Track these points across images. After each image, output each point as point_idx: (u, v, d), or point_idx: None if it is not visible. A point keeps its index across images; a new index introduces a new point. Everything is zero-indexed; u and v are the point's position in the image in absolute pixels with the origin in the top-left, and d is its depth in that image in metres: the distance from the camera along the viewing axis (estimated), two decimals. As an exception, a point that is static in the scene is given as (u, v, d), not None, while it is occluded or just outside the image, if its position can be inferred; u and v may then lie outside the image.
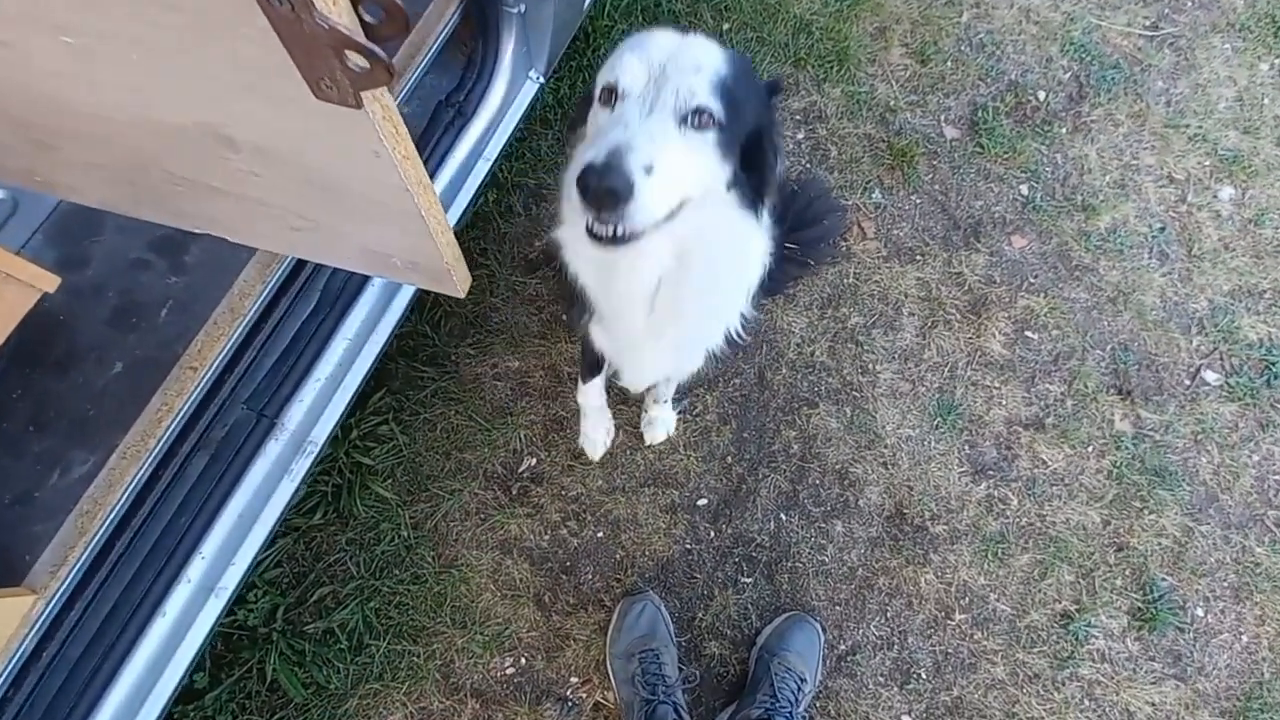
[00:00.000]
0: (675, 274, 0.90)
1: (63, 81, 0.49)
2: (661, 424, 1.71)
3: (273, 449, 1.12)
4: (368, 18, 0.39)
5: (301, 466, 1.17)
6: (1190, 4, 2.32)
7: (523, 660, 1.59)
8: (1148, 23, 2.27)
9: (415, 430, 1.72)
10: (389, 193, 0.51)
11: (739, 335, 1.11)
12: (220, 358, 1.03)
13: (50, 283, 0.85)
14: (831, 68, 2.10)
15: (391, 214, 0.55)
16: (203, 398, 1.03)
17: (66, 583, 0.93)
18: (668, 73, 0.76)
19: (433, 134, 1.30)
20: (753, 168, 0.85)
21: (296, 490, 1.19)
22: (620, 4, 2.10)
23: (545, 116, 2.00)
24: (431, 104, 1.34)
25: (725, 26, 2.13)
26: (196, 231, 0.73)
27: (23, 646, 0.87)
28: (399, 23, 0.39)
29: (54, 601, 0.92)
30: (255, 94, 0.43)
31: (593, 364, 1.48)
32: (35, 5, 0.42)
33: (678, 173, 0.75)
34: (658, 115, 0.75)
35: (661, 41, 0.80)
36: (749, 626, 1.63)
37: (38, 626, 0.90)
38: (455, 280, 0.68)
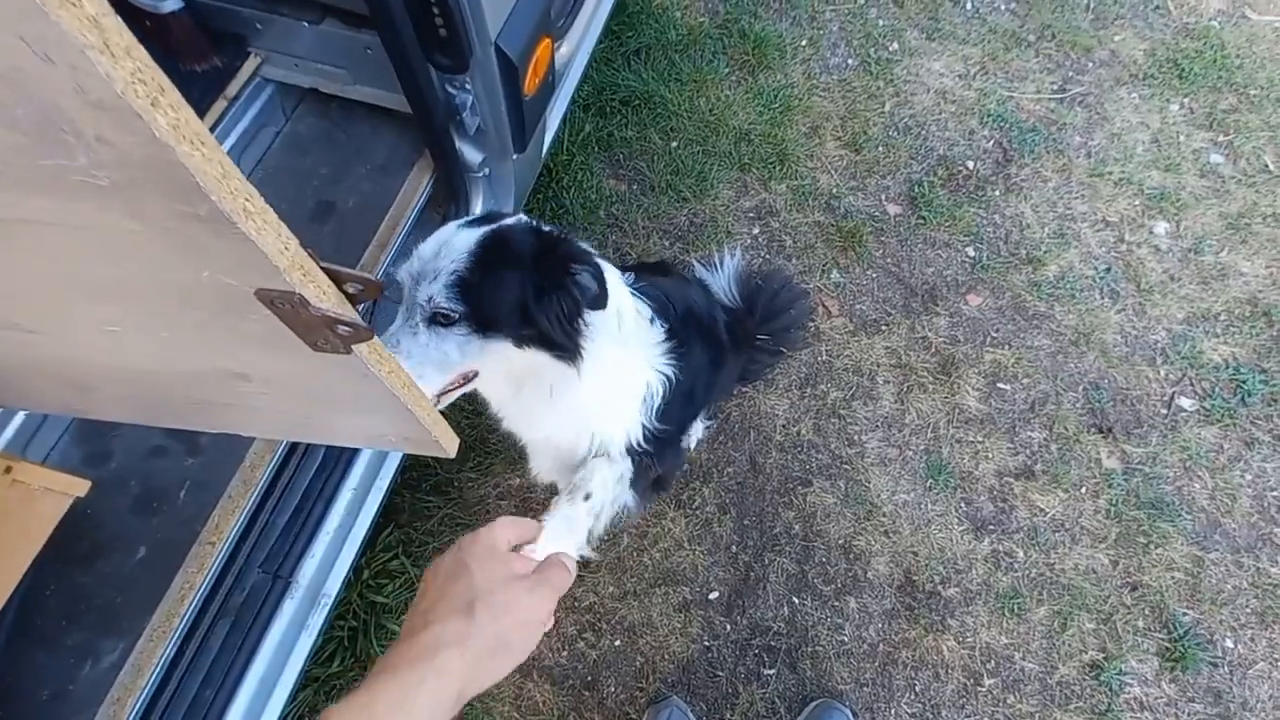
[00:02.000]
0: (510, 391, 1.07)
1: (101, 353, 0.59)
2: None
3: (289, 607, 1.17)
4: (350, 289, 0.49)
5: (317, 620, 1.21)
6: (1091, 64, 2.56)
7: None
8: (1055, 86, 2.50)
9: (425, 561, 1.76)
10: (380, 399, 0.61)
11: (639, 445, 1.16)
12: (236, 529, 1.10)
13: (81, 487, 0.94)
14: (775, 167, 2.29)
15: (383, 411, 0.64)
16: (221, 569, 1.10)
17: (98, 775, 0.95)
18: (419, 279, 0.89)
19: (417, 288, 1.43)
20: (550, 322, 0.92)
21: (314, 644, 1.23)
22: (577, 138, 2.32)
23: (520, 246, 2.17)
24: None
25: (673, 144, 2.34)
26: (213, 432, 0.82)
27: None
28: (375, 289, 0.49)
29: (88, 796, 0.94)
30: (264, 349, 0.53)
31: None
32: (84, 309, 0.53)
33: (429, 361, 0.88)
34: (409, 321, 0.89)
35: (432, 245, 0.93)
36: (779, 721, 1.60)
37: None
38: (444, 446, 0.77)
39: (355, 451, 1.28)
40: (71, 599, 1.05)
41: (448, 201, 1.47)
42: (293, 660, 1.18)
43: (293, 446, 1.20)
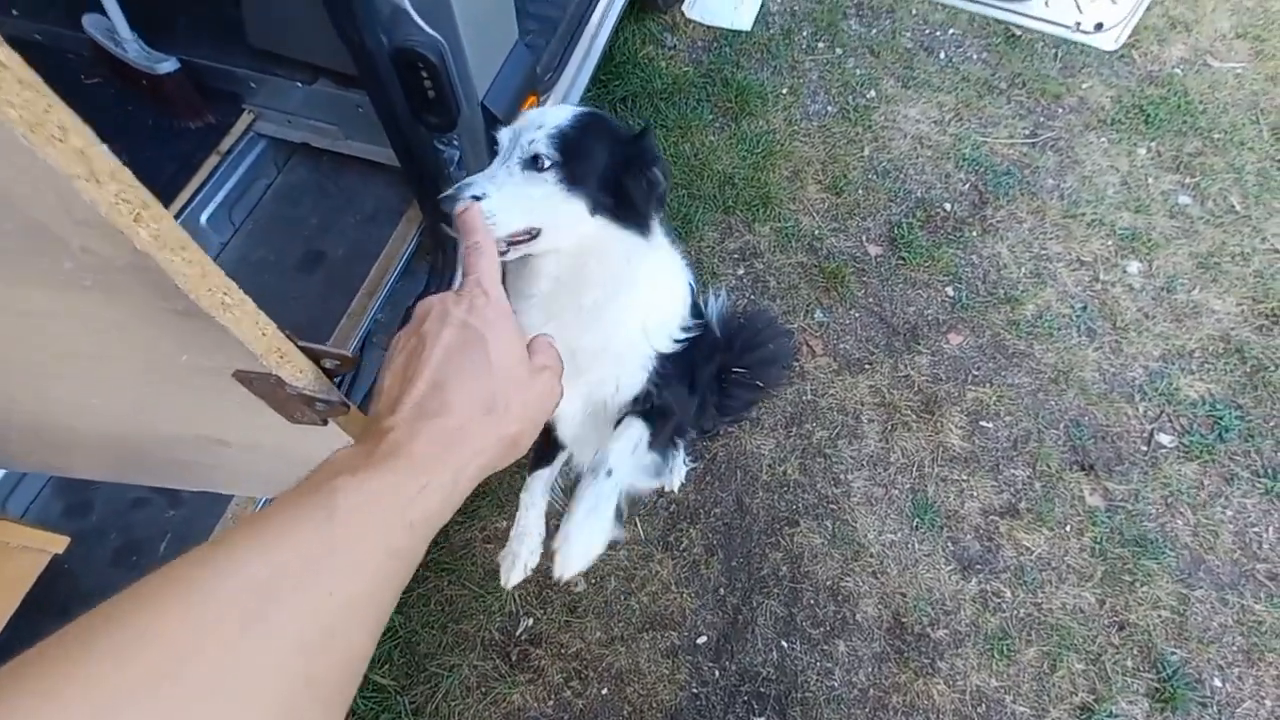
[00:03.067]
0: (566, 279, 1.04)
1: (81, 420, 0.61)
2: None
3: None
4: (328, 364, 0.51)
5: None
6: (1061, 110, 2.66)
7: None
8: (1026, 132, 2.59)
9: (409, 608, 1.74)
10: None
11: (675, 341, 1.16)
12: (216, 581, 1.10)
13: (60, 544, 0.93)
14: (758, 210, 2.35)
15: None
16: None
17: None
18: (521, 132, 0.96)
19: (404, 335, 1.45)
20: (623, 196, 0.99)
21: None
22: (565, 182, 2.37)
23: (508, 288, 2.20)
24: (402, 309, 1.50)
25: (659, 188, 2.40)
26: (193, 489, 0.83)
27: None
28: (350, 363, 0.51)
29: None
30: (243, 420, 0.55)
31: (541, 454, 1.43)
32: (66, 382, 0.54)
33: (512, 201, 0.92)
34: (506, 163, 0.94)
35: (533, 112, 1.00)
36: (769, 770, 1.58)
37: None
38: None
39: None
40: (46, 657, 1.04)
41: (435, 250, 1.51)
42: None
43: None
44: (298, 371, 0.47)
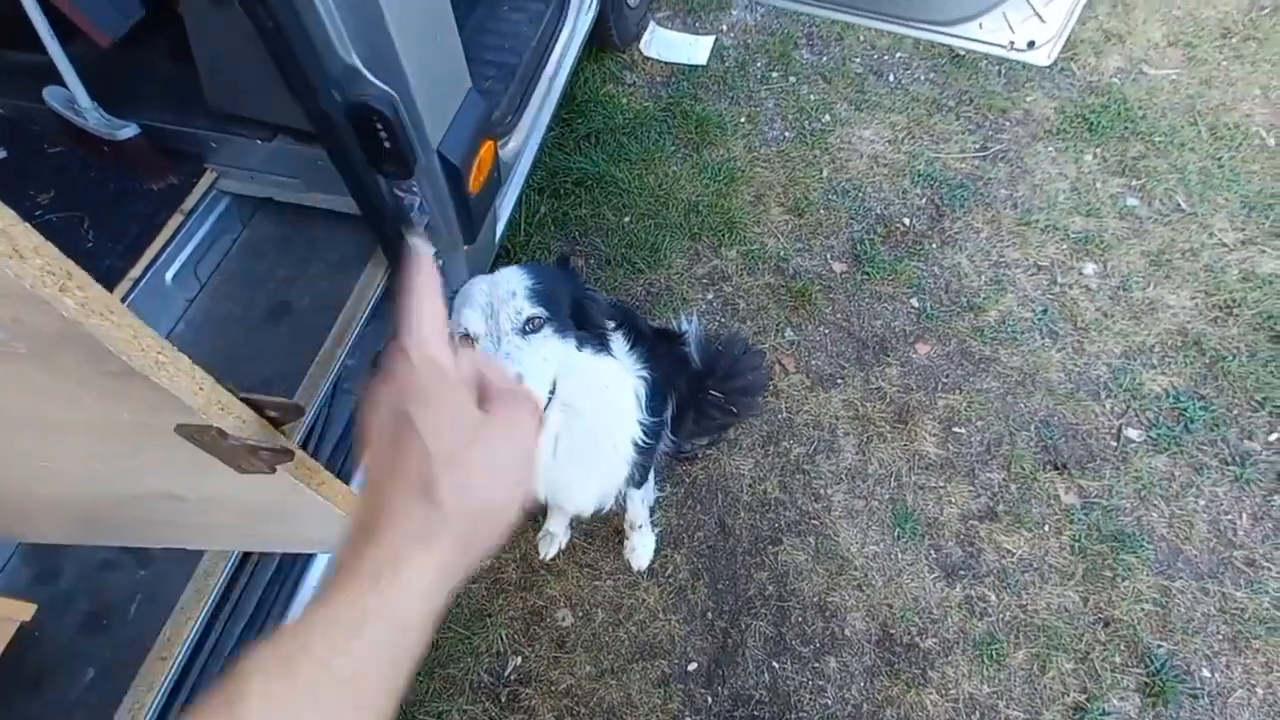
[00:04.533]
0: (567, 427, 1.17)
1: (35, 483, 0.61)
2: (643, 549, 1.81)
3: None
4: (272, 413, 0.53)
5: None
6: (1008, 123, 2.76)
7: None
8: (977, 146, 2.69)
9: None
10: (315, 508, 0.63)
11: (642, 441, 1.32)
12: (189, 641, 1.08)
13: (26, 611, 0.92)
14: (724, 235, 2.41)
15: (319, 519, 0.66)
16: (174, 686, 1.07)
17: None
18: (494, 308, 1.04)
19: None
20: (585, 323, 1.13)
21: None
22: (533, 219, 2.42)
23: (482, 326, 2.22)
24: (373, 354, 1.52)
25: (626, 219, 2.46)
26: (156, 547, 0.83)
27: None
28: (295, 413, 0.53)
29: None
30: (193, 474, 0.56)
31: None
32: (13, 446, 0.56)
33: (538, 366, 1.01)
34: (505, 339, 1.01)
35: (481, 287, 1.08)
36: (768, 797, 1.55)
37: None
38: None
39: (311, 555, 1.27)
40: (14, 731, 1.01)
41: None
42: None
43: (246, 554, 1.19)
44: (240, 422, 0.48)
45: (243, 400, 0.49)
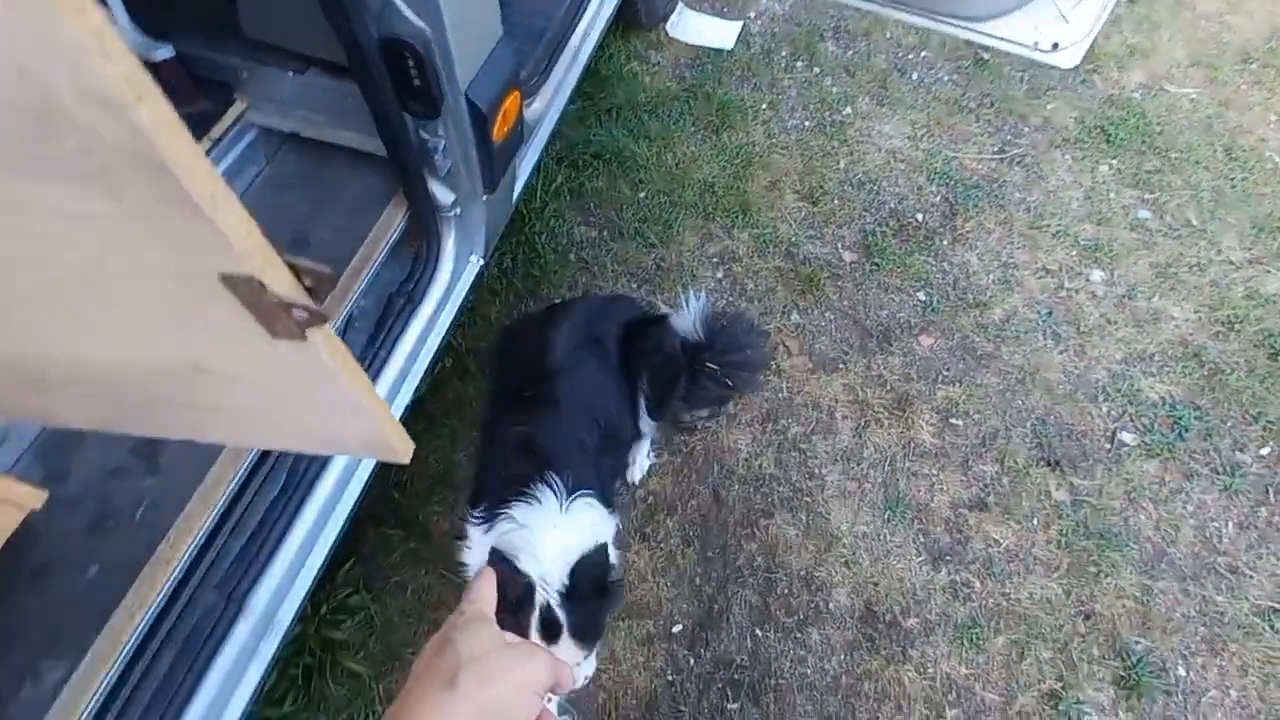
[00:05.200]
0: None
1: (65, 344, 0.63)
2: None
3: (240, 632, 1.16)
4: (307, 282, 0.55)
5: (267, 650, 1.20)
6: (1028, 129, 2.78)
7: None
8: (995, 148, 2.70)
9: (386, 596, 1.74)
10: (336, 395, 0.66)
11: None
12: (192, 547, 1.11)
13: (37, 499, 0.95)
14: (737, 217, 2.43)
15: (340, 409, 0.68)
16: (174, 589, 1.09)
17: (29, 803, 0.92)
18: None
19: (386, 320, 1.48)
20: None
21: (264, 675, 1.21)
22: (550, 187, 2.44)
23: (493, 287, 2.25)
24: (385, 295, 1.54)
25: (641, 195, 2.48)
26: (174, 439, 0.85)
27: None
28: (330, 282, 0.55)
29: (16, 824, 0.91)
30: (226, 339, 0.58)
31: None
32: (59, 298, 0.58)
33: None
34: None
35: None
36: (742, 758, 1.58)
37: None
38: (398, 451, 0.81)
39: (317, 476, 1.30)
40: (15, 619, 1.03)
41: (420, 238, 1.55)
42: (241, 688, 1.17)
43: (254, 469, 1.22)
44: (279, 279, 0.50)
45: (283, 260, 0.52)
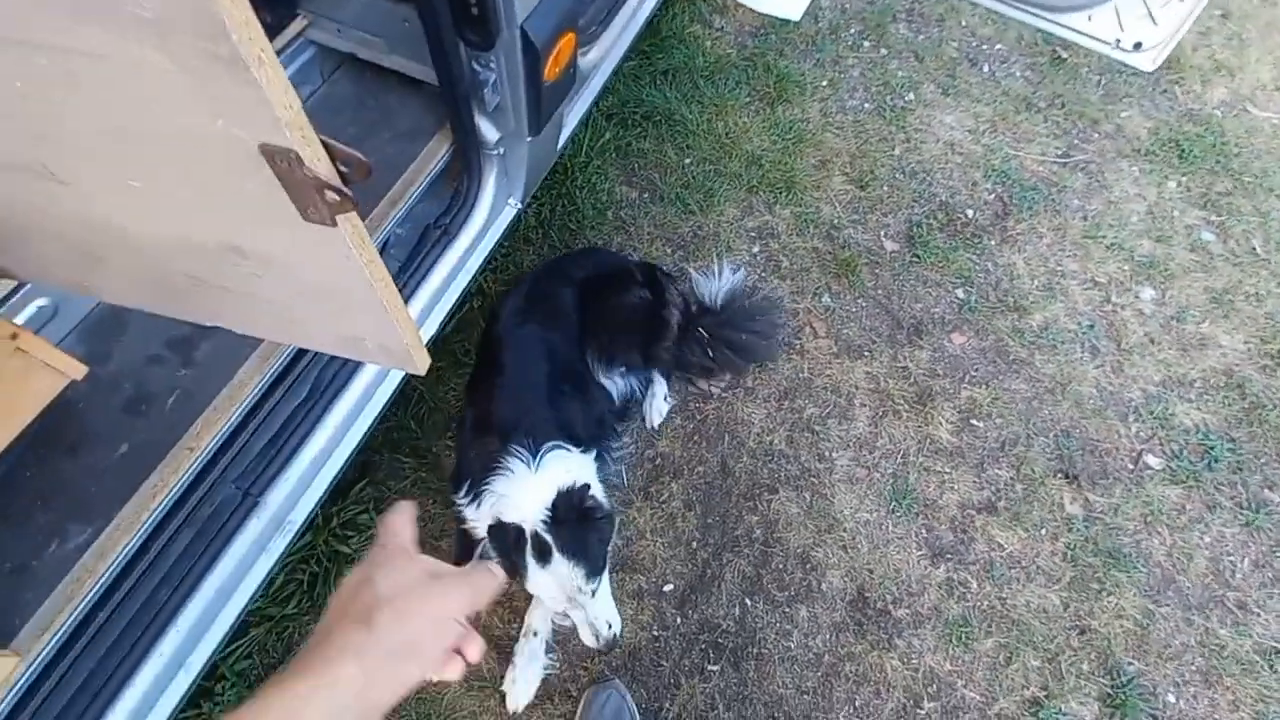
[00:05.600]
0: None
1: (117, 214, 0.66)
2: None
3: (254, 526, 1.22)
4: (342, 168, 0.57)
5: (279, 545, 1.26)
6: (1097, 135, 2.66)
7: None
8: (1059, 151, 2.60)
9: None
10: (359, 288, 0.68)
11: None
12: (216, 440, 1.16)
13: (79, 370, 1.00)
14: (781, 193, 2.39)
15: (361, 306, 0.71)
16: (196, 476, 1.15)
17: (49, 647, 0.99)
18: (570, 595, 1.38)
19: (421, 250, 1.51)
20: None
21: (272, 569, 1.27)
22: (597, 144, 2.43)
23: (528, 235, 2.26)
24: (422, 226, 1.57)
25: (687, 160, 2.45)
26: (207, 325, 0.89)
27: (1, 707, 0.93)
28: (364, 170, 0.56)
29: (35, 665, 0.97)
30: (263, 217, 0.60)
31: (464, 549, 1.70)
32: (114, 165, 0.60)
33: (606, 598, 1.46)
34: (588, 603, 1.40)
35: (549, 590, 1.40)
36: (716, 718, 1.61)
37: (17, 688, 0.95)
38: (415, 361, 0.83)
39: (340, 390, 1.34)
40: (49, 483, 1.11)
41: (462, 175, 1.57)
42: (249, 579, 1.23)
43: (281, 375, 1.27)
44: (315, 156, 0.52)
45: (320, 140, 0.53)
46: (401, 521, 0.60)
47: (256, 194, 0.57)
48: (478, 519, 1.47)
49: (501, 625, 1.70)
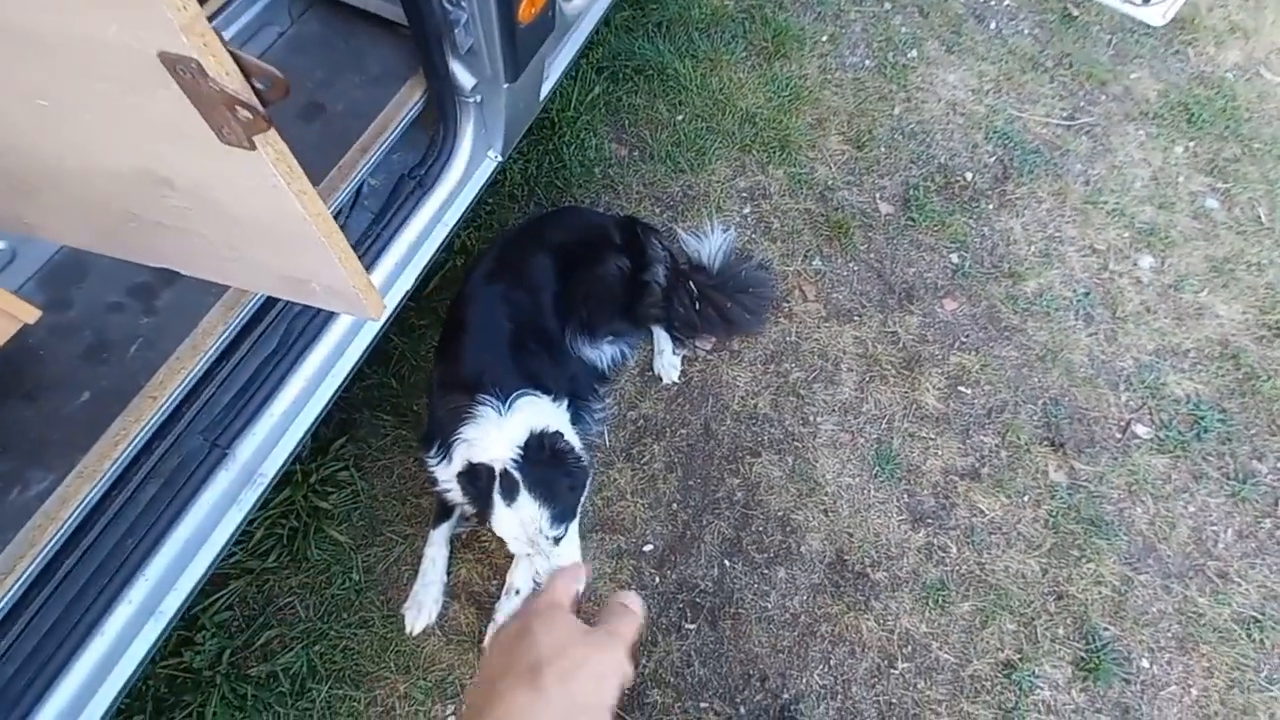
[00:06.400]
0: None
1: (35, 136, 0.63)
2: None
3: (223, 478, 1.20)
4: (259, 85, 0.53)
5: (249, 498, 1.25)
6: (1104, 96, 2.58)
7: (464, 707, 1.59)
8: (1064, 113, 2.52)
9: (374, 476, 1.80)
10: (292, 222, 0.64)
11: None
12: (180, 389, 1.14)
13: (31, 314, 0.98)
14: (775, 152, 2.32)
15: (299, 242, 0.68)
16: (160, 425, 1.13)
17: (11, 593, 0.99)
18: (533, 539, 1.39)
19: (394, 202, 1.47)
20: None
21: (244, 521, 1.26)
22: (586, 98, 2.36)
23: (513, 193, 2.21)
24: (397, 176, 1.52)
25: (679, 117, 2.38)
26: (154, 266, 0.86)
27: (-39, 655, 0.93)
28: (281, 89, 0.53)
29: (-4, 611, 0.98)
30: (179, 141, 0.57)
31: (441, 510, 1.69)
32: (21, 80, 0.57)
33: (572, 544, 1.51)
34: (550, 552, 1.41)
35: (514, 530, 1.40)
36: (691, 675, 1.63)
37: (-23, 632, 0.95)
38: (366, 304, 0.80)
39: (311, 342, 1.32)
40: (7, 430, 1.09)
41: (437, 123, 1.51)
42: (220, 530, 1.22)
43: (251, 322, 1.24)
44: (220, 67, 0.48)
45: (228, 51, 0.49)
46: (567, 581, 0.59)
47: (168, 113, 0.53)
48: (449, 479, 1.46)
49: (481, 582, 1.71)
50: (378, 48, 1.50)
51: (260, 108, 0.50)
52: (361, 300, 0.78)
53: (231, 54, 0.50)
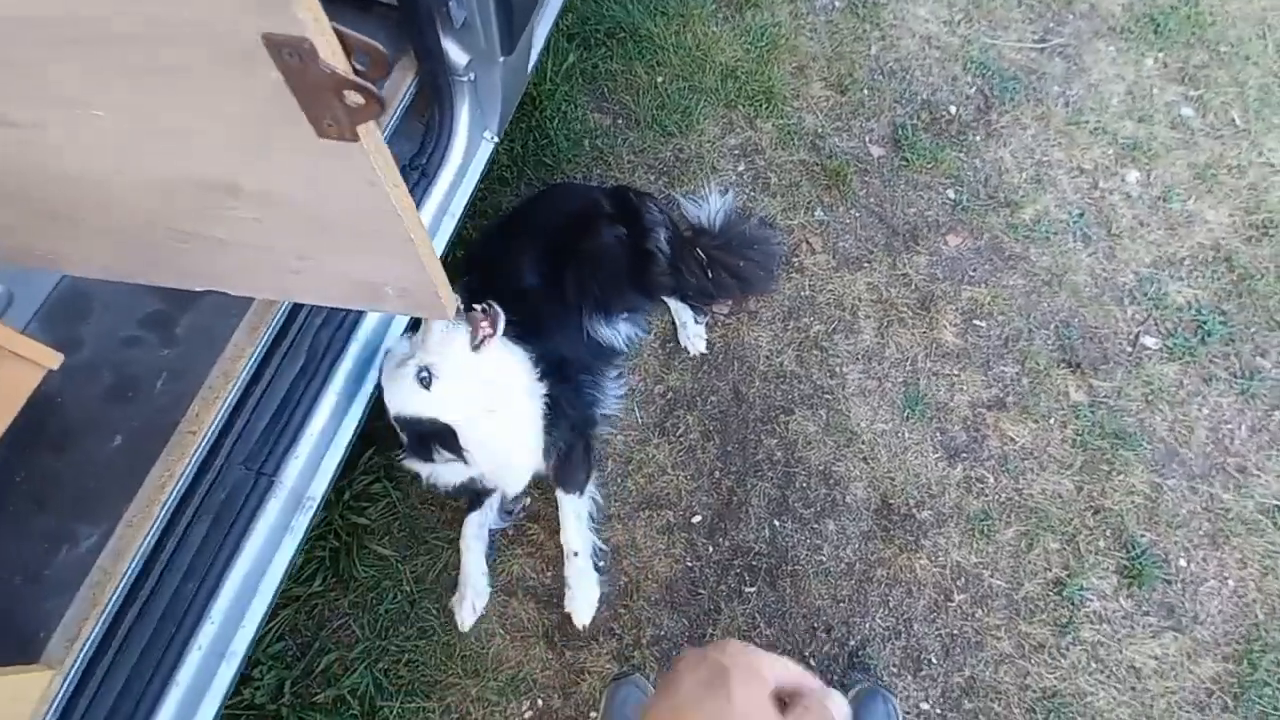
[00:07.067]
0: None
1: (86, 154, 0.56)
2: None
3: (273, 507, 1.15)
4: (358, 65, 0.47)
5: (301, 523, 1.20)
6: (1072, 16, 2.59)
7: (539, 702, 1.58)
8: (1035, 37, 2.53)
9: (407, 485, 1.75)
10: (382, 219, 0.59)
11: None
12: (217, 420, 1.07)
13: (54, 359, 0.90)
14: (761, 106, 2.28)
15: (384, 241, 0.62)
16: (203, 461, 1.07)
17: (81, 656, 0.93)
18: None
19: (401, 196, 1.39)
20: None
21: (298, 549, 1.21)
22: (561, 68, 2.27)
23: (502, 175, 2.13)
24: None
25: (659, 79, 2.31)
26: (199, 290, 0.79)
27: (39, 727, 0.87)
28: (382, 65, 0.47)
29: (70, 676, 0.91)
30: (265, 141, 0.51)
31: (473, 500, 1.67)
32: (67, 85, 0.50)
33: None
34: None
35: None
36: (759, 636, 1.65)
37: (56, 703, 0.89)
38: (444, 302, 0.75)
39: (338, 354, 1.25)
40: (43, 484, 1.01)
41: (431, 105, 1.43)
42: (277, 560, 1.17)
43: (273, 345, 1.17)
44: (330, 47, 0.43)
45: (333, 29, 0.44)
46: (771, 661, 0.58)
47: (255, 109, 0.47)
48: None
49: (535, 575, 1.69)
50: (362, 28, 1.40)
51: (374, 89, 0.45)
52: (439, 296, 0.73)
53: (335, 30, 0.44)
